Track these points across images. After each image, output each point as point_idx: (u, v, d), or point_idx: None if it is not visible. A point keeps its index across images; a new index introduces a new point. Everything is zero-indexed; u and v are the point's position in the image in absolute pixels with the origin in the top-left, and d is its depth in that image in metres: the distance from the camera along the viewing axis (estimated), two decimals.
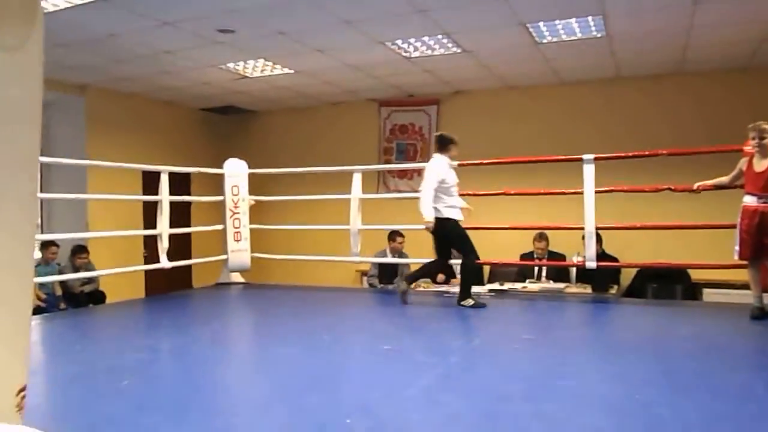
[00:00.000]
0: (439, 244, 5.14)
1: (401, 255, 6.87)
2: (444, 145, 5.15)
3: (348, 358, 3.47)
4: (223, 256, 6.52)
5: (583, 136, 7.37)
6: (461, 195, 5.80)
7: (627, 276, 6.76)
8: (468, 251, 5.05)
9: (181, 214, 8.06)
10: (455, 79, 7.67)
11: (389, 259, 6.72)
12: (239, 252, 6.46)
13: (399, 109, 8.70)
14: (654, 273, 6.57)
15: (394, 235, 6.85)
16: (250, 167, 6.65)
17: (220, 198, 6.52)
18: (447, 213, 4.98)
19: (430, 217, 4.90)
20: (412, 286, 5.25)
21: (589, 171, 5.29)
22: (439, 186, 4.96)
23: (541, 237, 6.50)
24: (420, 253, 7.04)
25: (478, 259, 5.18)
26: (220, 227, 6.54)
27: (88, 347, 3.86)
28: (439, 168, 5.03)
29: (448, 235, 5.03)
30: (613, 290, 5.98)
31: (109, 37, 5.81)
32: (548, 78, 7.48)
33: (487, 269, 7.32)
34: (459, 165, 5.95)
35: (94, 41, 5.94)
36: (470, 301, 4.98)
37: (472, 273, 5.13)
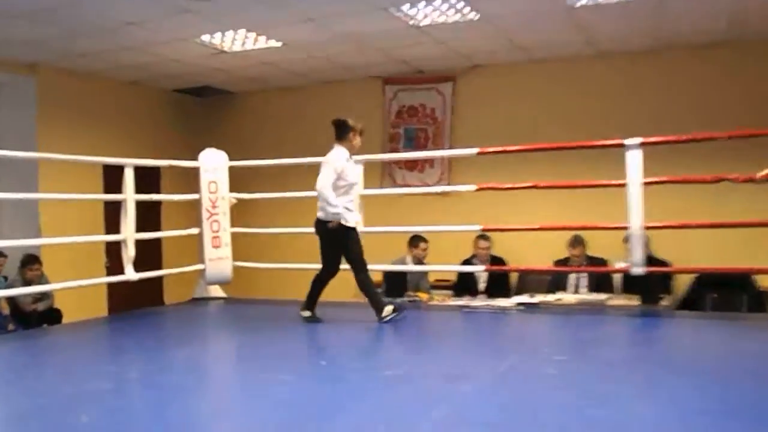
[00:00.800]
0: (328, 251, 5.14)
1: (421, 263, 6.88)
2: (341, 133, 5.14)
3: (348, 387, 3.48)
4: (200, 266, 6.54)
5: (624, 118, 7.38)
6: (482, 189, 5.83)
7: (681, 284, 6.76)
8: (361, 267, 5.07)
9: (149, 216, 8.12)
10: (473, 52, 7.68)
11: (398, 267, 6.74)
12: (219, 260, 6.48)
13: (407, 88, 8.72)
14: (714, 280, 6.55)
15: (416, 240, 6.86)
16: (230, 159, 6.66)
17: (196, 196, 6.54)
18: (345, 218, 4.99)
19: (351, 219, 4.97)
20: (311, 314, 5.22)
21: (633, 158, 5.27)
22: (335, 184, 4.98)
23: (577, 242, 6.49)
24: (440, 258, 7.09)
25: (367, 271, 5.17)
26: (195, 231, 6.56)
27: (41, 376, 3.89)
28: (336, 161, 5.02)
29: (345, 244, 5.03)
30: (665, 301, 5.98)
31: (63, 5, 5.85)
32: (582, 49, 7.48)
33: (514, 279, 7.34)
34: (479, 153, 5.99)
35: (46, 11, 5.99)
36: (390, 309, 5.03)
37: (372, 284, 5.15)
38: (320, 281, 5.26)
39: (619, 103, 7.62)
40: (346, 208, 5.03)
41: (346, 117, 5.20)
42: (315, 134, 9.20)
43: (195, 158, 6.57)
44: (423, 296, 6.52)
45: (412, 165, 8.65)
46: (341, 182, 5.02)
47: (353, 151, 5.19)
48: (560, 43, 7.29)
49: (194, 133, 9.55)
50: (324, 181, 4.98)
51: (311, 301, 5.26)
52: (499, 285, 6.88)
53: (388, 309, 5.03)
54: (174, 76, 8.51)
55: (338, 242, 5.05)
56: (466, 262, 7.04)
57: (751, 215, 5.80)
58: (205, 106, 9.81)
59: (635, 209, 5.27)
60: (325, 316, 5.33)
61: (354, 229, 5.07)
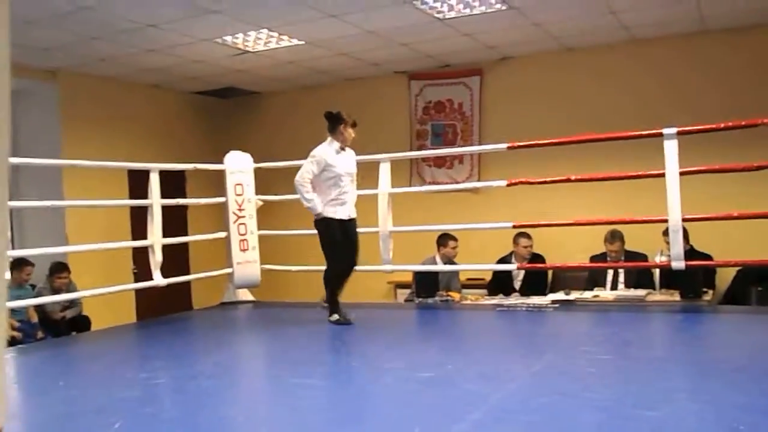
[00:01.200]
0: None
1: (451, 263, 6.89)
2: (331, 125, 5.30)
3: (381, 389, 3.48)
4: (228, 270, 6.60)
5: (660, 106, 7.29)
6: (513, 184, 5.80)
7: (724, 278, 6.66)
8: (329, 263, 5.30)
9: (175, 221, 8.20)
10: (501, 43, 7.64)
11: (431, 267, 6.74)
12: (246, 264, 6.53)
13: (433, 83, 8.70)
14: (757, 273, 6.45)
15: (445, 238, 6.88)
16: (255, 160, 6.72)
17: (222, 199, 6.60)
18: (327, 212, 5.21)
19: (320, 207, 5.18)
20: (338, 316, 5.25)
21: (671, 148, 5.21)
22: (319, 177, 5.19)
23: (614, 237, 6.44)
24: (471, 256, 7.07)
25: (347, 268, 5.34)
26: (222, 235, 6.62)
27: (72, 383, 3.95)
28: (320, 155, 5.21)
29: (321, 237, 5.24)
30: (708, 296, 5.90)
31: (80, 9, 5.93)
32: (616, 35, 7.39)
33: (549, 276, 7.29)
34: (509, 148, 5.96)
35: (64, 15, 6.07)
36: (335, 316, 5.21)
37: (334, 282, 5.30)
38: (328, 279, 5.35)
39: (653, 92, 7.52)
40: (335, 201, 5.20)
41: (338, 110, 5.34)
42: None
43: (220, 161, 6.63)
44: (455, 296, 6.51)
45: (440, 162, 8.64)
46: (328, 174, 5.20)
47: (346, 143, 5.33)
48: (592, 30, 7.18)
49: (218, 135, 9.63)
50: (298, 176, 5.21)
51: (333, 304, 5.31)
52: (535, 283, 6.86)
53: (334, 316, 5.21)
54: (196, 78, 8.59)
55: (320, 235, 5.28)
56: (503, 260, 7.01)
57: None
58: (228, 108, 9.88)
59: (674, 201, 5.20)
60: (356, 317, 5.34)
61: (332, 221, 5.20)
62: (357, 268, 6.56)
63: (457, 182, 8.39)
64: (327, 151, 5.24)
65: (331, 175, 5.20)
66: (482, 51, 7.88)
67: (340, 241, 5.24)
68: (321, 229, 5.27)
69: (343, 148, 5.30)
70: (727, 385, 3.24)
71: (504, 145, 6.05)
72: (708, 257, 6.22)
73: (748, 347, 4.16)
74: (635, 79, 7.65)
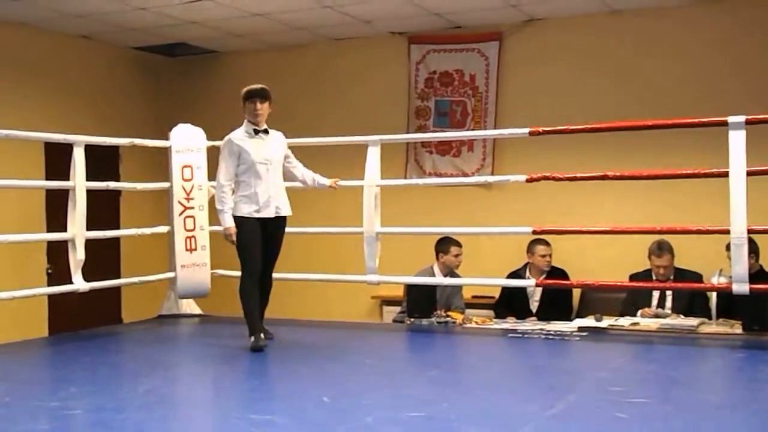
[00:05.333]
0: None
1: (453, 275, 6.88)
2: (243, 102, 5.46)
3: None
4: (169, 275, 6.56)
5: (727, 90, 7.28)
6: (534, 179, 5.80)
7: None
8: (243, 269, 5.40)
9: (105, 210, 8.15)
10: (526, 1, 7.64)
11: (427, 279, 6.72)
12: (193, 268, 6.50)
13: (439, 49, 8.69)
14: None
15: (447, 244, 6.88)
16: (210, 137, 6.68)
17: (165, 185, 6.56)
18: (239, 210, 5.36)
19: (228, 222, 5.32)
20: (253, 338, 5.27)
21: (737, 141, 5.22)
22: (236, 170, 5.39)
23: (662, 249, 6.44)
24: (477, 269, 7.07)
25: (254, 280, 5.39)
26: (164, 230, 6.59)
27: None
28: (227, 142, 5.42)
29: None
30: None
31: None
32: None
33: (576, 297, 7.30)
34: (531, 133, 5.96)
35: None
36: (251, 338, 5.26)
37: (246, 299, 5.38)
38: (241, 292, 5.44)
39: (720, 72, 7.50)
40: (247, 196, 5.34)
41: (262, 86, 5.46)
42: (320, 106, 9.28)
43: (164, 136, 6.58)
44: (457, 317, 6.50)
45: (445, 148, 8.62)
46: (241, 166, 5.37)
47: (256, 122, 5.43)
48: None
49: (163, 103, 9.59)
50: (217, 177, 5.42)
51: (248, 324, 5.35)
52: (556, 304, 6.87)
53: (253, 341, 5.22)
54: (138, 29, 8.53)
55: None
56: (515, 273, 7.02)
57: None
58: (178, 69, 9.84)
59: (739, 207, 5.20)
60: (330, 340, 5.33)
61: (245, 221, 5.31)
62: (335, 277, 6.59)
63: (465, 174, 8.38)
64: (237, 136, 5.43)
65: (243, 164, 5.36)
66: (502, 10, 7.88)
67: (252, 245, 5.34)
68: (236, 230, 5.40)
69: (261, 131, 5.44)
70: None
71: (525, 130, 6.03)
72: None
73: None
74: (698, 53, 7.61)
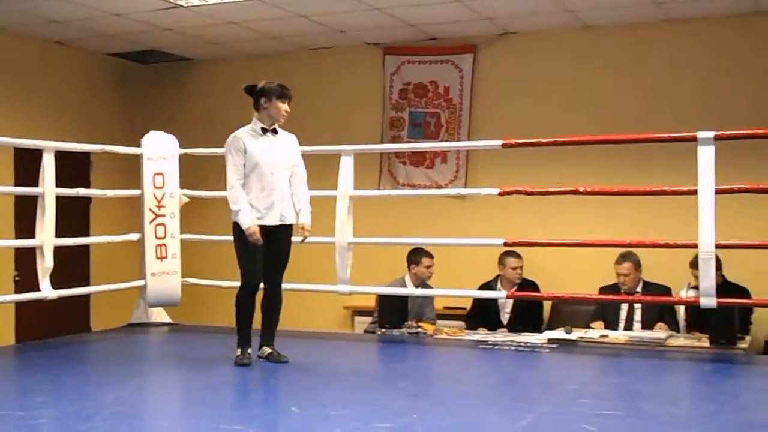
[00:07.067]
0: None
1: (425, 286, 6.91)
2: (254, 102, 5.20)
3: None
4: (139, 282, 6.52)
5: (697, 106, 7.37)
6: (507, 193, 5.84)
7: (765, 320, 6.73)
8: (241, 279, 5.18)
9: (74, 217, 8.09)
10: (501, 14, 7.69)
11: (399, 290, 6.75)
12: (164, 276, 6.47)
13: (414, 60, 8.73)
14: None
15: (418, 255, 6.91)
16: (182, 145, 6.67)
17: (136, 192, 6.52)
18: (239, 215, 5.04)
19: (247, 221, 4.97)
20: (239, 351, 5.12)
21: (706, 156, 5.28)
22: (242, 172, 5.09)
23: (624, 257, 6.52)
24: (449, 280, 7.09)
25: (252, 291, 5.19)
26: (135, 237, 6.55)
27: None
28: (233, 139, 5.15)
29: (234, 245, 5.16)
30: (744, 343, 5.98)
31: None
32: (648, 12, 7.48)
33: (546, 309, 7.35)
34: (504, 146, 6.01)
35: None
36: (237, 352, 5.08)
37: (245, 312, 5.17)
38: (237, 302, 5.23)
39: (689, 86, 7.60)
40: (253, 200, 5.05)
41: (269, 82, 5.20)
42: (294, 116, 9.22)
43: (136, 143, 6.55)
44: (428, 328, 6.53)
45: (419, 159, 8.65)
46: (247, 166, 5.08)
47: (274, 122, 5.19)
48: (620, 4, 7.23)
49: (136, 110, 9.55)
50: (227, 177, 5.10)
51: (239, 336, 5.16)
52: (527, 316, 6.90)
53: (238, 355, 5.07)
54: (112, 36, 8.50)
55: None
56: (487, 285, 7.05)
57: None
58: (151, 76, 9.80)
59: (707, 222, 5.26)
60: (301, 350, 5.33)
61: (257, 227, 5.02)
62: (306, 287, 6.56)
63: (438, 186, 8.41)
64: (243, 133, 5.15)
65: (247, 165, 5.07)
66: (477, 23, 7.93)
67: (255, 253, 5.07)
68: (235, 235, 5.11)
69: (270, 130, 5.19)
70: None
71: (498, 142, 6.08)
72: (745, 292, 6.29)
73: None
74: (670, 70, 7.72)
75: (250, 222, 4.97)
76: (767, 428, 3.76)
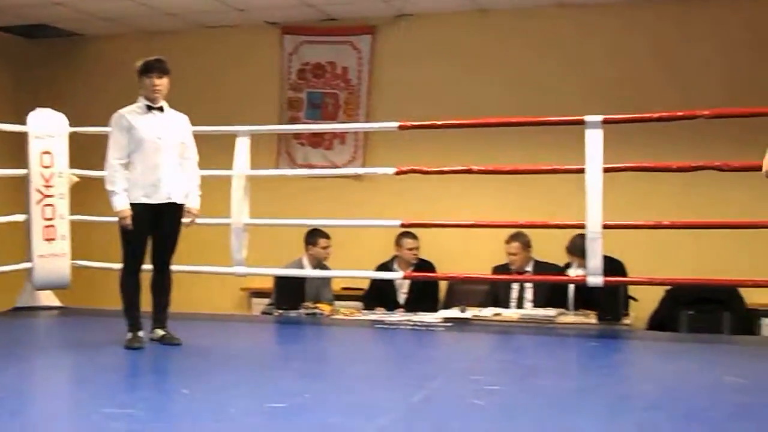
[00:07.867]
0: None
1: (322, 266, 6.92)
2: (138, 76, 5.10)
3: (217, 424, 3.45)
4: (26, 265, 6.41)
5: (587, 89, 7.55)
6: (403, 172, 5.89)
7: (651, 298, 6.94)
8: (124, 261, 5.13)
9: None
10: None
11: (296, 271, 6.77)
12: (52, 258, 6.38)
13: (312, 40, 8.69)
14: (691, 295, 6.79)
15: (315, 236, 6.92)
16: (71, 123, 6.57)
17: (22, 172, 6.40)
18: (113, 197, 4.98)
19: (120, 204, 4.93)
20: (131, 335, 5.06)
21: (594, 139, 5.43)
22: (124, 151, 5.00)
23: (513, 237, 6.64)
24: (346, 261, 7.11)
25: (135, 272, 5.15)
26: (21, 218, 6.42)
27: None
28: (117, 116, 5.06)
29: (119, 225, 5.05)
30: (629, 319, 6.18)
31: None
32: None
33: (443, 289, 7.44)
34: (401, 127, 6.06)
35: None
36: (128, 336, 5.04)
37: (124, 293, 5.14)
38: (121, 284, 5.16)
39: (583, 70, 7.76)
40: (137, 177, 4.96)
41: (157, 59, 5.09)
42: (190, 95, 9.08)
43: (22, 120, 6.42)
44: (325, 308, 6.54)
45: (316, 140, 8.63)
46: (130, 145, 4.97)
47: (151, 97, 5.04)
48: None
49: (22, 87, 9.24)
50: (106, 156, 5.01)
51: (128, 319, 5.09)
52: (423, 296, 6.97)
53: (129, 338, 5.01)
54: None
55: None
56: (384, 266, 7.10)
57: (743, 214, 6.07)
58: (37, 52, 9.51)
59: (595, 203, 5.42)
60: (196, 332, 5.30)
61: (132, 206, 4.95)
62: (200, 269, 6.49)
63: (337, 166, 8.42)
64: (128, 111, 5.05)
65: (132, 143, 4.96)
66: (376, 4, 7.93)
67: (140, 233, 4.99)
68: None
69: (156, 108, 5.07)
70: (639, 426, 3.40)
71: (395, 124, 6.14)
72: (620, 266, 6.40)
73: (669, 381, 4.37)
74: (560, 55, 7.88)
75: (123, 205, 4.91)
76: (645, 399, 3.90)
